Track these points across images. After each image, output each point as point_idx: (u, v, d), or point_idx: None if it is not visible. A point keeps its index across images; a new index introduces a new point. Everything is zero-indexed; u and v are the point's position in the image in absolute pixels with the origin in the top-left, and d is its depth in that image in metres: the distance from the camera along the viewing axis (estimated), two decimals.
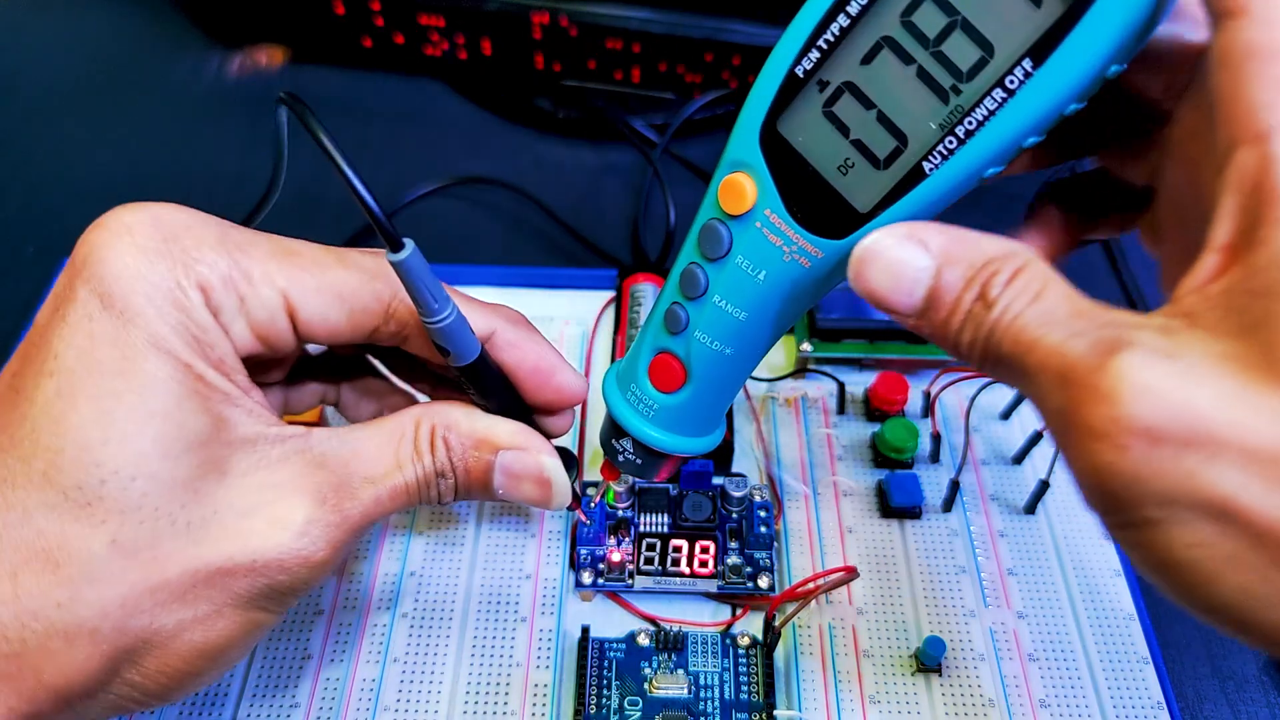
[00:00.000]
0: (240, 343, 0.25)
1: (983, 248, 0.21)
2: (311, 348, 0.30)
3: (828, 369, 0.41)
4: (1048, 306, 0.19)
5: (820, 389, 0.40)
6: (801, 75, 0.22)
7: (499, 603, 0.34)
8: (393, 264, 0.23)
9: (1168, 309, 0.18)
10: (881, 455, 0.38)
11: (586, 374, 0.41)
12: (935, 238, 0.21)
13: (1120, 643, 0.33)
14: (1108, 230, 0.27)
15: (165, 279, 0.23)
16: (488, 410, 0.28)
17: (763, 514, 0.36)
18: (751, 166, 0.24)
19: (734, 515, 0.35)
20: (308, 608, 0.34)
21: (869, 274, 0.22)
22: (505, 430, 0.28)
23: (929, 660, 0.32)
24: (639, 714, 0.31)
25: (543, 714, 0.31)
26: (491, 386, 0.28)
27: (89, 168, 0.54)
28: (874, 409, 0.39)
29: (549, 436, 0.30)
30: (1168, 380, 0.17)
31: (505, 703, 0.31)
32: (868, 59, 0.22)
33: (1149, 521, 0.17)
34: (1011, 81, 0.20)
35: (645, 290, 0.42)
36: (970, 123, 0.21)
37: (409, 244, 0.23)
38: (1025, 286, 0.20)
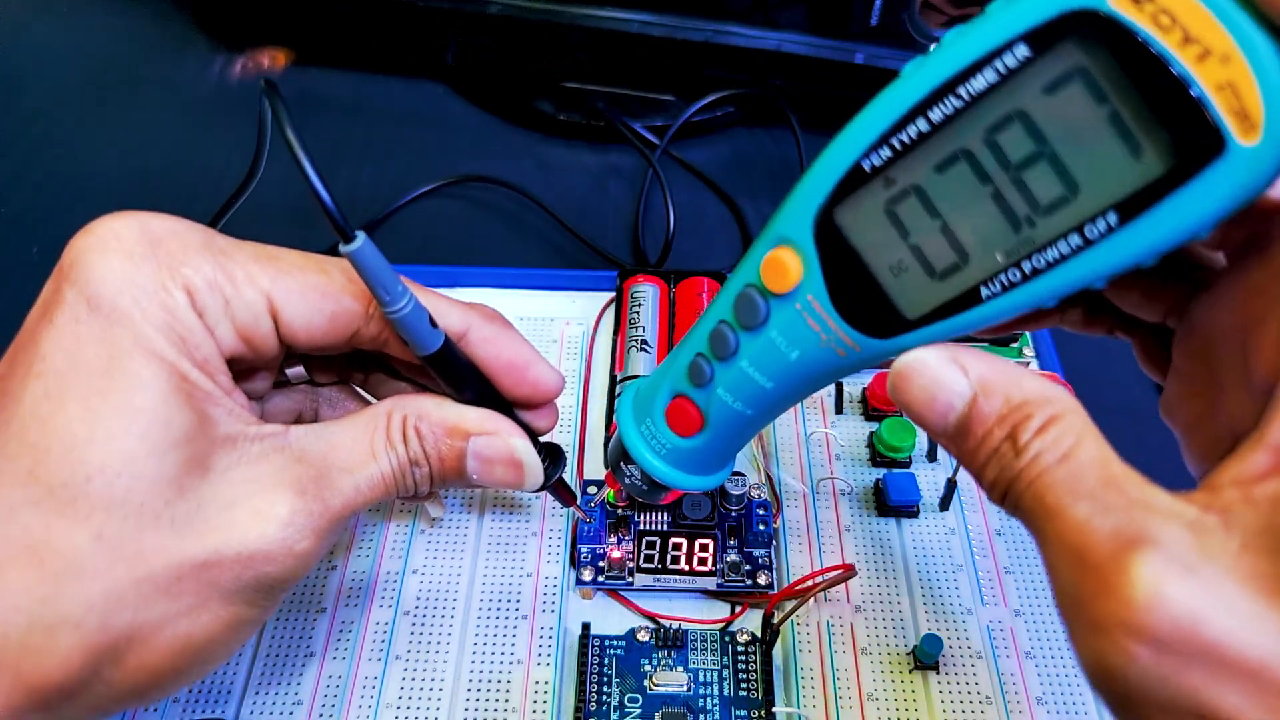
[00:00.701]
0: (225, 344, 0.25)
1: (1022, 386, 0.20)
2: (291, 373, 0.31)
3: None
4: (1076, 469, 0.18)
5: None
6: (869, 169, 0.21)
7: (500, 600, 0.34)
8: (345, 255, 0.24)
9: (1203, 495, 0.17)
10: (879, 454, 0.38)
11: (587, 375, 0.42)
12: (977, 365, 0.21)
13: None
14: (1091, 330, 0.26)
15: (151, 282, 0.23)
16: (463, 404, 0.29)
17: (761, 512, 0.36)
18: (800, 247, 0.23)
19: (733, 513, 0.36)
20: (310, 606, 0.34)
21: (907, 388, 0.22)
22: (474, 416, 0.28)
23: (926, 657, 0.32)
24: (639, 710, 0.31)
25: (544, 711, 0.31)
26: (462, 379, 0.28)
27: (93, 169, 0.54)
28: (872, 408, 0.40)
29: (535, 434, 0.30)
30: (1186, 593, 0.16)
31: (506, 700, 0.32)
32: (942, 168, 0.20)
33: None
34: (1091, 231, 0.19)
35: (645, 291, 0.42)
36: (1039, 261, 0.19)
37: (360, 235, 0.24)
38: (1056, 440, 0.19)
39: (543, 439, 0.31)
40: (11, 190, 0.53)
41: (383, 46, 0.59)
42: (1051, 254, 0.19)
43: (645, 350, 0.40)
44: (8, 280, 0.47)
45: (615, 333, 0.42)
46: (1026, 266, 0.20)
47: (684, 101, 0.55)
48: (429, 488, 0.29)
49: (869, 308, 0.22)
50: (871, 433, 0.39)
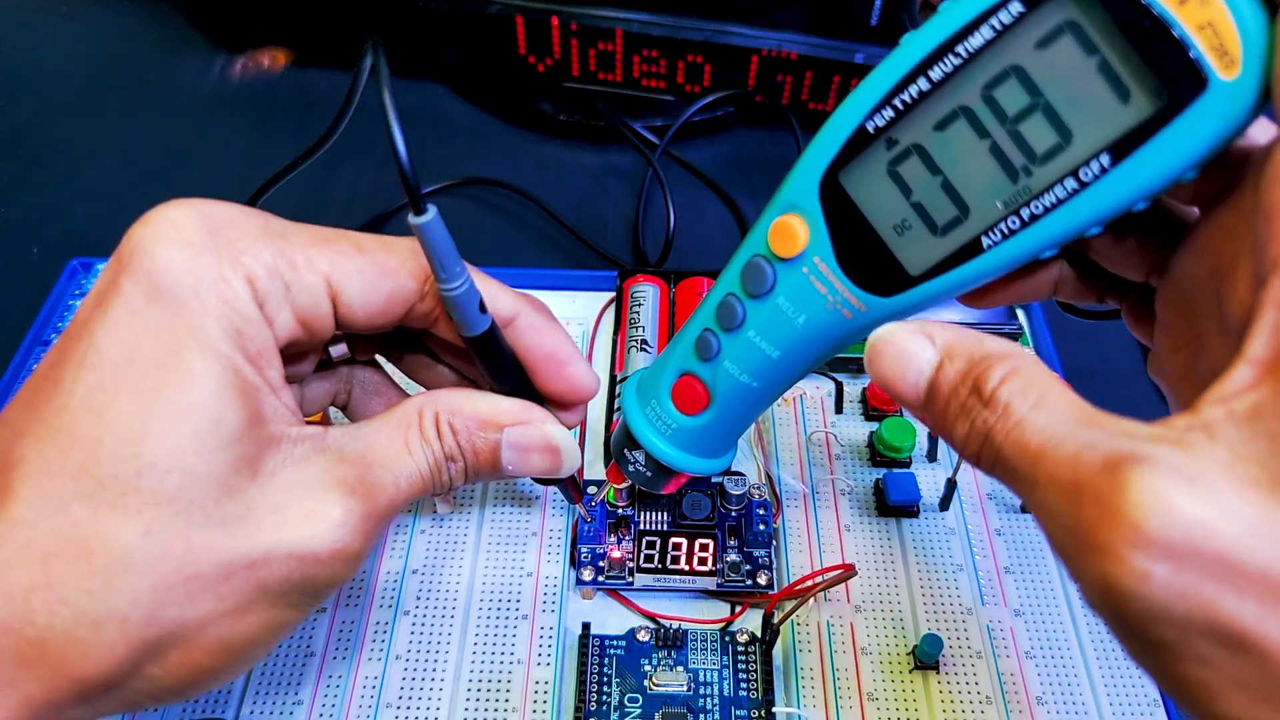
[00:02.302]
0: (283, 331, 0.25)
1: (984, 345, 0.21)
2: (334, 351, 0.31)
3: (825, 369, 0.41)
4: (1052, 413, 0.19)
5: (818, 388, 0.41)
6: (872, 131, 0.22)
7: (500, 600, 0.34)
8: (413, 226, 0.24)
9: (1185, 418, 0.17)
10: (879, 454, 0.38)
11: None
12: (943, 334, 0.22)
13: (1116, 641, 0.33)
14: (1084, 298, 0.27)
15: (211, 272, 0.23)
16: (498, 394, 0.29)
17: (761, 512, 0.36)
18: (806, 212, 0.24)
19: (733, 513, 0.36)
20: None
21: (880, 362, 0.22)
22: (507, 406, 0.28)
23: (926, 657, 0.32)
24: (639, 710, 0.31)
25: (544, 711, 0.31)
26: (502, 365, 0.28)
27: (94, 170, 0.54)
28: (872, 408, 0.40)
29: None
30: (1193, 503, 0.16)
31: (506, 700, 0.32)
32: (942, 125, 0.21)
33: (1160, 642, 0.17)
34: (1086, 174, 0.20)
35: (645, 291, 0.42)
36: (1036, 207, 0.21)
37: (432, 209, 0.24)
38: (1024, 389, 0.19)
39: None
40: (12, 191, 0.53)
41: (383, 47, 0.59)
42: (1049, 199, 0.20)
43: (645, 350, 0.40)
44: (8, 280, 0.47)
45: (615, 333, 0.42)
46: (1025, 213, 0.21)
47: (684, 101, 0.55)
48: (463, 482, 0.28)
49: (874, 267, 0.23)
50: (871, 433, 0.39)
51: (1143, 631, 0.17)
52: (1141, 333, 0.26)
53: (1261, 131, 0.20)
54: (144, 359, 0.22)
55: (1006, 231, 0.21)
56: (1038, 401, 0.19)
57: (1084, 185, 0.20)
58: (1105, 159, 0.19)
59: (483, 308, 0.26)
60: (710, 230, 0.52)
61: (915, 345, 0.22)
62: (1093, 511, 0.17)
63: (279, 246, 0.25)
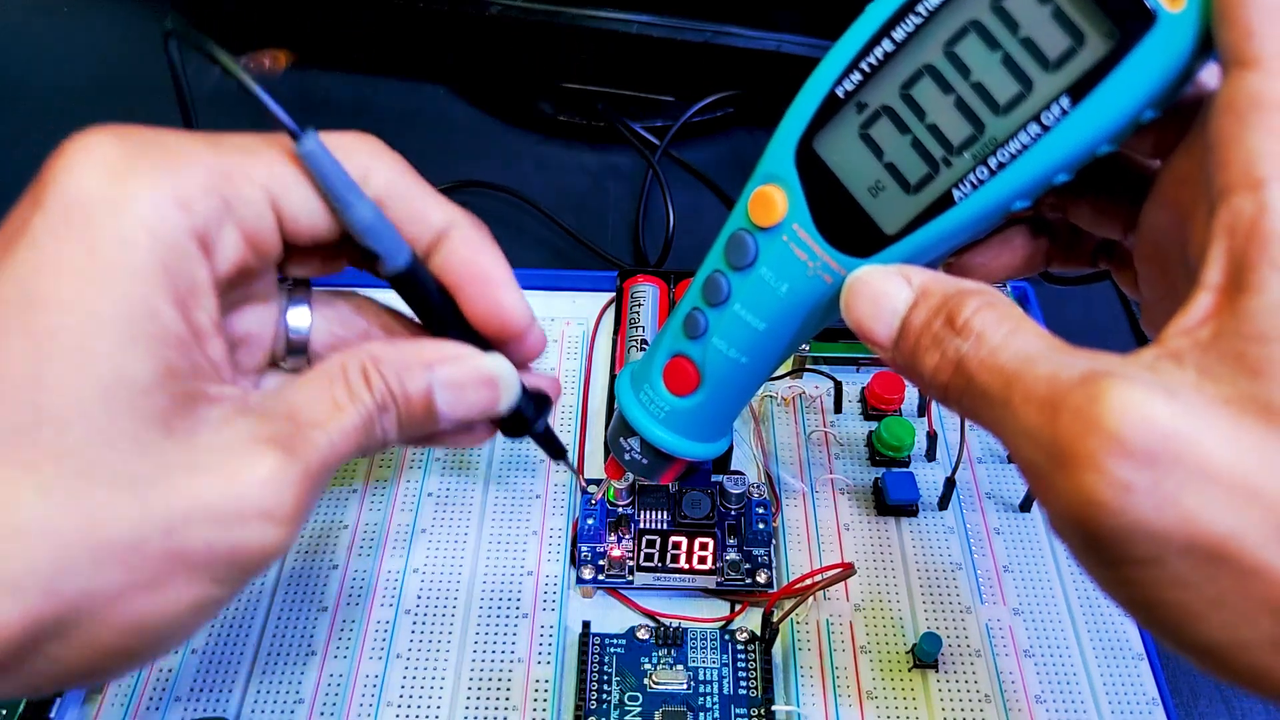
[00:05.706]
0: (229, 257, 0.23)
1: (959, 283, 0.21)
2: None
3: (825, 368, 0.41)
4: (1025, 341, 0.19)
5: (818, 388, 0.41)
6: (841, 96, 0.23)
7: (501, 599, 0.34)
8: (298, 155, 0.22)
9: (1153, 349, 0.18)
10: (878, 453, 0.38)
11: (587, 374, 0.42)
12: (918, 275, 0.22)
13: (1115, 639, 0.33)
14: (1076, 264, 0.27)
15: (134, 198, 0.21)
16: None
17: (761, 511, 0.36)
18: (784, 180, 0.24)
19: (732, 512, 0.36)
20: (312, 604, 0.34)
21: (855, 303, 0.23)
22: (433, 346, 0.26)
23: (925, 656, 0.32)
24: (639, 709, 0.31)
25: (544, 709, 0.32)
26: (429, 302, 0.26)
27: None
28: (871, 407, 0.40)
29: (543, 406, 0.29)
30: (1170, 414, 0.16)
31: (507, 698, 0.32)
32: (908, 85, 0.22)
33: (1135, 561, 0.17)
34: (1047, 117, 0.20)
35: (645, 291, 0.42)
36: (1003, 155, 0.21)
37: (310, 134, 0.22)
38: (999, 318, 0.20)
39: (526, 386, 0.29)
40: (12, 191, 0.53)
41: (383, 48, 0.59)
42: (1014, 146, 0.21)
43: (645, 350, 0.40)
44: None
45: (615, 333, 0.42)
46: (993, 162, 0.21)
47: (684, 102, 0.55)
48: (398, 435, 0.26)
49: (851, 228, 0.24)
50: (871, 432, 0.39)
51: (1119, 550, 0.17)
52: (1130, 288, 0.26)
53: (1212, 76, 0.21)
54: (47, 301, 0.20)
55: (976, 182, 0.22)
56: (1012, 330, 0.19)
57: (1046, 129, 0.21)
58: (1065, 101, 0.20)
59: (398, 240, 0.24)
60: (710, 230, 0.51)
61: (891, 286, 0.22)
62: (1070, 424, 0.17)
63: (211, 160, 0.22)
